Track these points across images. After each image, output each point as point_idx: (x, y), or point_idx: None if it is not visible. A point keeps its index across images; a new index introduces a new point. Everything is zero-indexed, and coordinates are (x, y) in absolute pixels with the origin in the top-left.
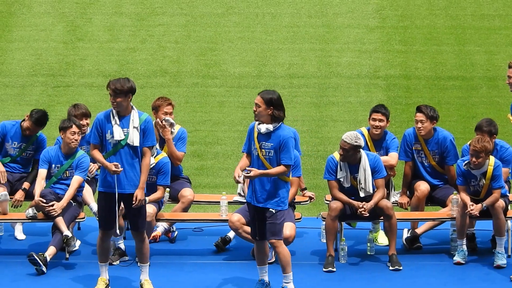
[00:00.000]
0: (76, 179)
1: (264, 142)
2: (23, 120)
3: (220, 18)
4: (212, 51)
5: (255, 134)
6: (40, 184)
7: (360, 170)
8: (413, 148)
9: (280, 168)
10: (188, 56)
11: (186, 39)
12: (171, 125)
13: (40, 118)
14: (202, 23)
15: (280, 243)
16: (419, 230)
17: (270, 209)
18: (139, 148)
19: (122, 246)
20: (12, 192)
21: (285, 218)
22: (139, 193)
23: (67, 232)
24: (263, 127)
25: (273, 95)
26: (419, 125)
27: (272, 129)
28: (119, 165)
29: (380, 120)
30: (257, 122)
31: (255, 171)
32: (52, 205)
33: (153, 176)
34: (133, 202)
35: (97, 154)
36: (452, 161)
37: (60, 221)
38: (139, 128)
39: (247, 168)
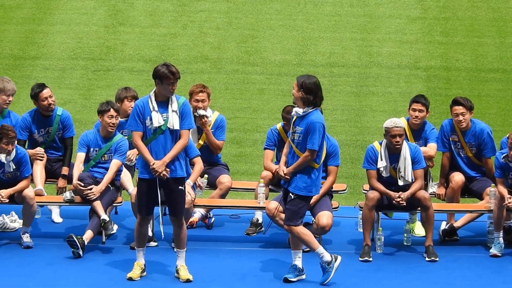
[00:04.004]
0: (115, 163)
1: (297, 127)
2: (36, 107)
3: (262, 5)
4: (253, 38)
5: (294, 118)
6: (78, 168)
7: (400, 159)
8: (450, 139)
9: (304, 156)
10: (229, 42)
11: (227, 25)
12: (205, 116)
13: (38, 85)
14: (243, 10)
15: (292, 229)
16: (457, 224)
17: (290, 193)
18: (179, 132)
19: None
20: (51, 175)
21: (305, 205)
22: (157, 164)
23: (104, 216)
24: (297, 110)
25: (306, 79)
26: (460, 117)
27: (301, 113)
28: (169, 172)
29: (420, 111)
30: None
31: (287, 173)
32: (90, 189)
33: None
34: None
35: (142, 147)
36: (489, 154)
37: (98, 205)
38: (178, 111)
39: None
